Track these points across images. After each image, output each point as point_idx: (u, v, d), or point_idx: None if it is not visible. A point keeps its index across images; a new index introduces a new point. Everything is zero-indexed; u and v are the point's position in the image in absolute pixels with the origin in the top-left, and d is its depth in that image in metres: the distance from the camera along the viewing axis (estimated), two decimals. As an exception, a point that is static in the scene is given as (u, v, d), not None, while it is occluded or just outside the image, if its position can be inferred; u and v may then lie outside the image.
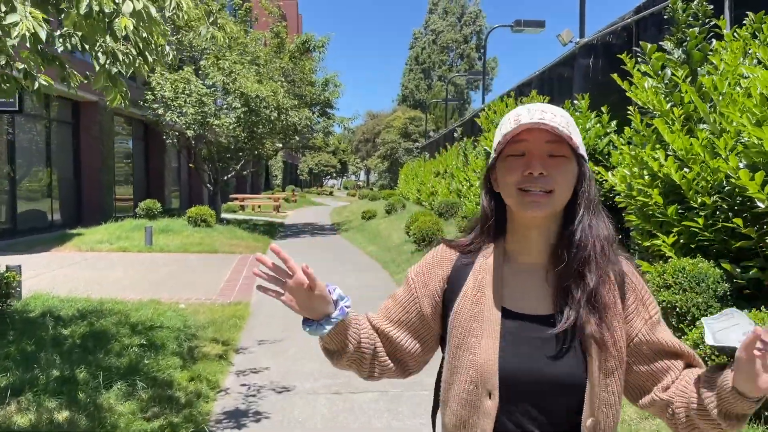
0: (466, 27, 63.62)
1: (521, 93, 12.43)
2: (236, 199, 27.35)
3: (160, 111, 15.27)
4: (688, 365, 1.23)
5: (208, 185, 17.81)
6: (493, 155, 1.20)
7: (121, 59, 3.22)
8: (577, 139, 1.16)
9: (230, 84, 14.78)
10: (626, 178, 5.25)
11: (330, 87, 18.40)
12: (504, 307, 1.20)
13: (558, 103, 10.72)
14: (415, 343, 1.30)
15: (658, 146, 4.92)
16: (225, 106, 15.25)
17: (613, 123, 8.70)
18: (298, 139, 17.60)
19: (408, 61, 66.31)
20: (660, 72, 5.22)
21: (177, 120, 14.95)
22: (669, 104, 4.98)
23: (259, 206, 27.78)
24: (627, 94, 5.76)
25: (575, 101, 9.30)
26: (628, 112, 5.53)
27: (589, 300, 1.15)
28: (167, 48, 3.68)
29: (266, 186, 44.18)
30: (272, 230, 17.97)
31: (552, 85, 11.76)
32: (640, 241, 5.13)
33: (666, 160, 4.58)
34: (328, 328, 1.18)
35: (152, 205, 13.84)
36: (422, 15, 66.39)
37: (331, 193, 57.44)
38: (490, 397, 1.15)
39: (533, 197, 1.14)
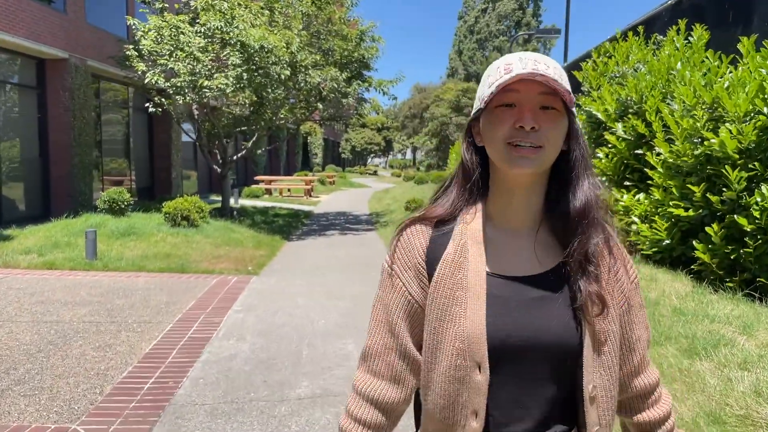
0: (524, -8, 58.17)
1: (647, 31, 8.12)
2: (261, 181, 23.69)
3: (142, 69, 11.58)
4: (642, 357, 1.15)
5: (215, 167, 14.19)
6: (479, 105, 1.06)
7: None
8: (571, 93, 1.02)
9: (229, 32, 10.94)
10: None
11: (366, 42, 14.35)
12: (489, 271, 1.06)
13: (725, 35, 6.51)
14: None
15: None
16: (228, 62, 11.38)
17: None
18: (322, 107, 13.58)
19: (457, 31, 61.38)
20: None
21: (159, 82, 11.23)
22: None
23: (289, 189, 24.08)
24: None
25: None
26: None
27: (586, 260, 1.05)
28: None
29: (304, 165, 40.56)
30: (293, 224, 14.20)
31: (702, 12, 7.47)
32: None
33: None
34: None
35: (117, 196, 10.09)
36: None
37: (375, 173, 53.41)
38: (479, 371, 1.00)
39: (522, 152, 1.00)
